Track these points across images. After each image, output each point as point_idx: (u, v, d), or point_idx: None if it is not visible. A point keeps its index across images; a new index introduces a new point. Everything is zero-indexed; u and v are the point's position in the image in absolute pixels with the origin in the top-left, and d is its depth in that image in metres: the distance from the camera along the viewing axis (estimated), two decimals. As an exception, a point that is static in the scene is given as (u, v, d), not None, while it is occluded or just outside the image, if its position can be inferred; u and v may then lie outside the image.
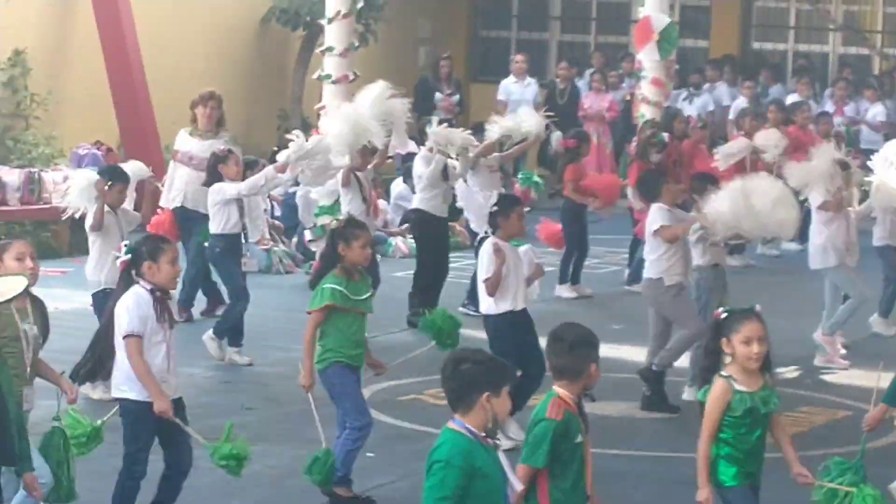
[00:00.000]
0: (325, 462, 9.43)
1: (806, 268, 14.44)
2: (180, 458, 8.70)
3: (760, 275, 17.83)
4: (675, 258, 11.99)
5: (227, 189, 13.53)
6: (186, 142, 14.60)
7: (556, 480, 6.95)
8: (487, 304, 11.23)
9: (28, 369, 8.54)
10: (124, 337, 8.82)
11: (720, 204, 11.87)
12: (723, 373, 7.73)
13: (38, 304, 8.80)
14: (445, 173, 14.79)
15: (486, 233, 11.58)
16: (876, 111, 21.35)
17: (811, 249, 14.07)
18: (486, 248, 11.16)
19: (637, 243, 15.80)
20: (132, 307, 8.90)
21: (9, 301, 7.92)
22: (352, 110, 14.72)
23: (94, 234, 12.39)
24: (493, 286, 11.03)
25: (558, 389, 7.02)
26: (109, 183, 12.22)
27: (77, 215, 12.73)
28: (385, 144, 15.22)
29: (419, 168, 15.09)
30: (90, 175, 12.82)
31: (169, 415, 8.37)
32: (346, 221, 11.33)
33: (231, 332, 13.34)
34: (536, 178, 17.14)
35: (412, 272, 15.80)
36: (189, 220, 14.10)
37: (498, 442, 6.34)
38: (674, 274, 12.02)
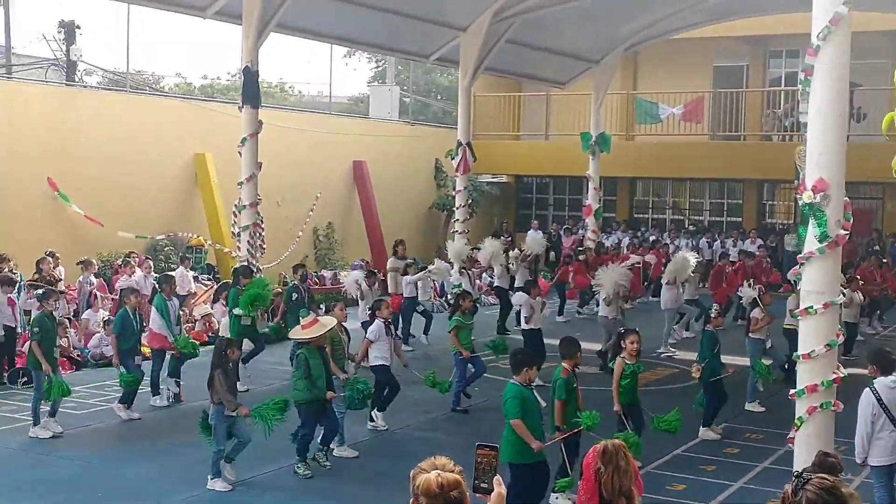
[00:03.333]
0: (435, 379, 12.41)
1: (658, 309, 18.63)
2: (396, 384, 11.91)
3: (637, 312, 20.63)
4: (613, 306, 15.88)
5: (408, 278, 17.92)
6: (395, 262, 18.49)
7: (568, 406, 9.17)
8: (525, 325, 15.08)
9: (346, 354, 11.33)
10: (365, 338, 12.18)
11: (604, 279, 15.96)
12: (622, 356, 10.32)
13: (345, 328, 11.50)
14: (508, 269, 19.98)
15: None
16: (687, 243, 26.33)
17: (662, 298, 18.23)
18: (525, 301, 15.04)
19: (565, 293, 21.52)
20: (374, 328, 12.13)
21: (330, 329, 10.45)
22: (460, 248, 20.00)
23: (361, 300, 16.27)
24: (529, 319, 14.88)
25: (564, 364, 9.21)
26: (368, 279, 16.56)
27: (353, 292, 16.52)
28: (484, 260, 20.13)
29: (497, 269, 20.04)
30: (357, 275, 17.21)
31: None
32: (463, 291, 14.93)
33: (406, 332, 17.33)
34: (547, 272, 22.65)
35: (491, 312, 20.69)
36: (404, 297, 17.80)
37: (531, 386, 8.56)
38: (613, 313, 15.89)
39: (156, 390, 13.47)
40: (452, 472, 3.82)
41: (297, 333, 10.47)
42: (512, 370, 8.57)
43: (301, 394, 10.25)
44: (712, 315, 12.56)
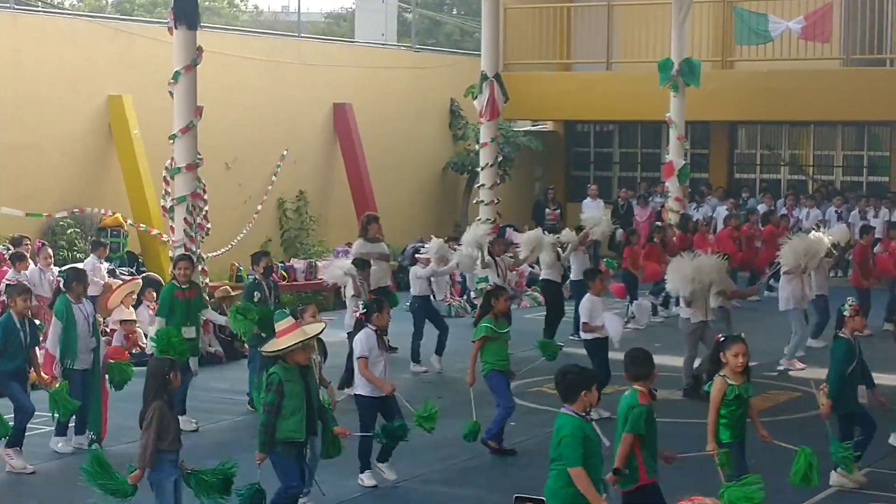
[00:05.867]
0: (474, 428, 12.69)
1: (775, 309, 18.53)
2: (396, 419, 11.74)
3: (745, 312, 21.28)
4: (698, 306, 15.72)
5: (419, 271, 18.25)
6: (364, 246, 17.95)
7: (644, 447, 9.08)
8: (586, 335, 14.90)
9: (319, 379, 11.30)
10: (357, 358, 11.95)
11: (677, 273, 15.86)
12: (721, 373, 10.15)
13: (321, 342, 11.44)
14: (558, 257, 19.59)
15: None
16: (814, 214, 26.59)
17: (781, 295, 18.03)
18: (585, 303, 14.93)
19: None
20: (363, 340, 11.93)
21: (315, 336, 10.53)
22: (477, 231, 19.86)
23: (351, 300, 16.13)
24: (591, 327, 14.72)
25: (638, 387, 9.22)
26: (360, 273, 16.13)
27: (341, 286, 16.69)
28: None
29: (543, 256, 19.63)
30: (346, 264, 16.51)
31: (391, 391, 11.68)
32: (495, 286, 15.16)
33: (415, 353, 17.74)
34: (612, 262, 22.34)
35: (533, 315, 20.96)
36: (381, 293, 16.75)
37: (592, 417, 8.49)
38: (699, 316, 15.74)
39: (61, 429, 13.22)
40: None
41: (271, 344, 10.35)
42: (562, 396, 8.40)
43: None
44: (845, 313, 12.13)
